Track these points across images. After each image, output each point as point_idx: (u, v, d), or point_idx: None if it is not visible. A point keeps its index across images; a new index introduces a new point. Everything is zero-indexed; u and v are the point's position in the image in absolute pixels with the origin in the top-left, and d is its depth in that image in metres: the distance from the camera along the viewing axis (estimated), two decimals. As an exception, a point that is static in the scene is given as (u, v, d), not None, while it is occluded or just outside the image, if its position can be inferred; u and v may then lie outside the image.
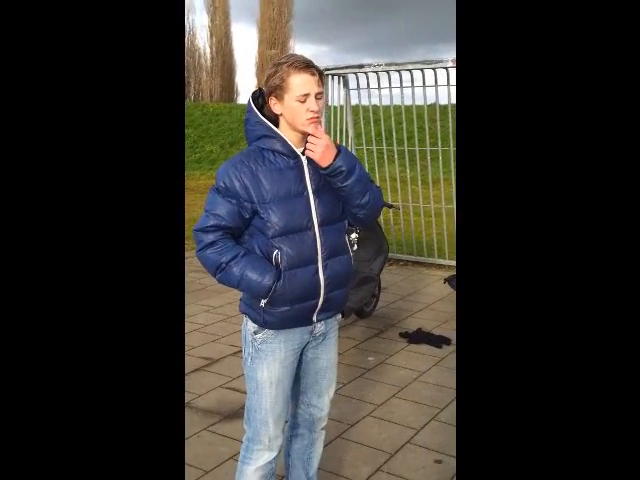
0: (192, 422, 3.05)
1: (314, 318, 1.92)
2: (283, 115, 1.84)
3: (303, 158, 1.86)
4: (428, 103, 5.70)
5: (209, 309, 4.89)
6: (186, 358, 3.88)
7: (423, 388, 3.43)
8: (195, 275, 5.99)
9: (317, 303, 1.88)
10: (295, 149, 1.85)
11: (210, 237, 1.83)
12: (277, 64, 1.82)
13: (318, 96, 1.81)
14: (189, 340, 4.20)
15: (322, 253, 1.86)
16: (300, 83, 1.78)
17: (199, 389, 3.42)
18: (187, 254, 6.92)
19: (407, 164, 6.21)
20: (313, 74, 1.80)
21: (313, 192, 1.85)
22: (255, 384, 1.93)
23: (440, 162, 5.82)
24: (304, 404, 2.08)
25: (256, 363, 1.92)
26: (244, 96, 26.14)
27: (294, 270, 1.82)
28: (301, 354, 2.00)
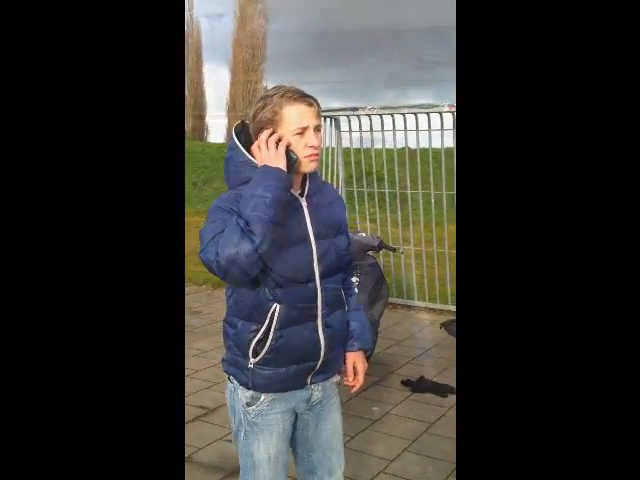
0: (195, 479, 2.83)
1: (308, 380, 1.72)
2: None
3: (302, 200, 1.66)
4: (421, 147, 5.68)
5: (198, 353, 4.67)
6: (180, 407, 3.66)
7: (435, 441, 3.28)
8: (179, 316, 5.76)
9: (315, 365, 1.69)
10: (292, 192, 1.63)
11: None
12: (265, 96, 1.60)
13: (317, 129, 1.60)
14: (181, 387, 3.97)
15: (322, 310, 1.66)
16: (297, 114, 1.56)
17: (199, 442, 3.20)
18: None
19: (410, 207, 6.17)
20: (311, 104, 1.58)
21: (315, 238, 1.64)
22: (251, 461, 1.70)
23: (435, 204, 5.79)
24: None
25: (251, 438, 1.69)
26: (214, 135, 26.26)
27: (292, 327, 1.62)
28: (301, 429, 1.78)
